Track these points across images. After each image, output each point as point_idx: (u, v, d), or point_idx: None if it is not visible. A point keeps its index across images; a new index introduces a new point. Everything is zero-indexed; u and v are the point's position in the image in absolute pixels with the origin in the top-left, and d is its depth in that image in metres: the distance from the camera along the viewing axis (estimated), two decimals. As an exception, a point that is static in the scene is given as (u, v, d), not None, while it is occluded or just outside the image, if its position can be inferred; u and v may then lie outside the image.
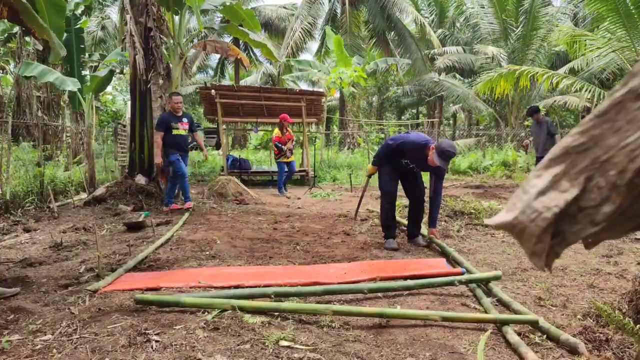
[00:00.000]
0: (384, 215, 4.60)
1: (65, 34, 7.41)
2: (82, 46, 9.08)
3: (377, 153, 4.70)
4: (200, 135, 7.37)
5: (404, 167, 4.50)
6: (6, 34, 13.95)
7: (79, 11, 9.56)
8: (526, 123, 15.93)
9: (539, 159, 8.35)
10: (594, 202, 0.69)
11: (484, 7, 18.27)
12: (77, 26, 8.97)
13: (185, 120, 6.62)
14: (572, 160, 0.72)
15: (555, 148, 0.75)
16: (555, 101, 16.22)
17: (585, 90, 10.09)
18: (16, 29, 12.92)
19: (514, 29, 16.88)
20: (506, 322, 2.42)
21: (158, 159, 6.51)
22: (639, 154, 0.65)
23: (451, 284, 3.11)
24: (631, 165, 0.65)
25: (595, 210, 0.69)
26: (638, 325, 2.20)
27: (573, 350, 2.14)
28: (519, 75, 10.46)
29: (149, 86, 7.53)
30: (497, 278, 3.13)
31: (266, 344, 2.18)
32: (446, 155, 4.03)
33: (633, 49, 8.99)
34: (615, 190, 0.67)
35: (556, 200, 0.71)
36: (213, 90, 10.76)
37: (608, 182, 0.68)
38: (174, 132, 6.48)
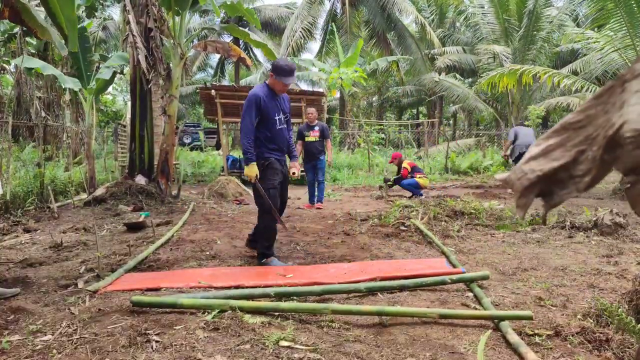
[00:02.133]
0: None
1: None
2: (87, 45, 9.09)
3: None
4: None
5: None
6: (6, 35, 13.96)
7: (79, 12, 9.56)
8: (526, 123, 15.94)
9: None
10: (582, 172, 0.80)
11: (483, 8, 18.25)
12: (80, 26, 8.98)
13: (316, 128, 7.37)
14: (568, 134, 0.83)
15: (558, 123, 0.86)
16: (558, 102, 16.23)
17: (587, 90, 10.09)
18: (17, 29, 12.93)
19: (517, 28, 16.85)
20: (502, 318, 2.46)
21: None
22: (609, 133, 0.73)
23: (443, 283, 3.15)
24: (602, 142, 0.75)
25: (581, 179, 0.80)
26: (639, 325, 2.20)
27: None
28: (520, 74, 10.49)
29: (149, 86, 7.53)
30: (484, 278, 3.19)
31: (266, 344, 2.18)
32: (283, 66, 3.69)
33: (634, 48, 8.98)
34: (593, 163, 0.77)
35: (542, 165, 0.83)
36: (213, 91, 10.77)
37: (593, 156, 0.78)
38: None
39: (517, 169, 0.87)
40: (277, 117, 3.80)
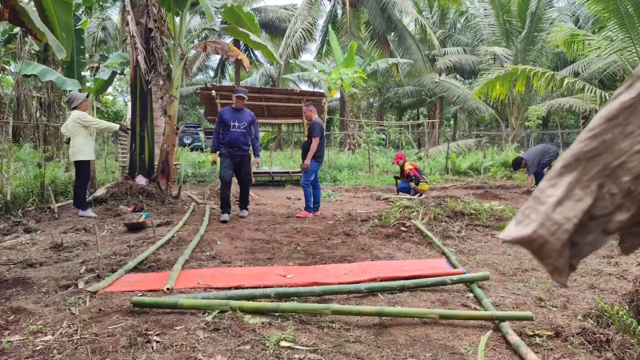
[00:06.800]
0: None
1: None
2: (82, 47, 9.10)
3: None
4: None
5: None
6: (7, 35, 13.97)
7: (79, 12, 9.57)
8: (526, 124, 15.94)
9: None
10: (607, 210, 0.65)
11: (486, 9, 18.27)
12: (77, 27, 8.98)
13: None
14: (583, 167, 0.68)
15: (567, 154, 0.71)
16: (559, 104, 16.22)
17: (588, 91, 10.09)
18: (17, 29, 12.93)
19: (518, 29, 16.87)
20: (503, 319, 2.46)
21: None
22: None
23: (443, 283, 3.15)
24: None
25: (608, 218, 0.65)
26: None
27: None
28: (517, 77, 10.46)
29: (149, 87, 7.53)
30: (485, 278, 3.19)
31: (266, 345, 2.18)
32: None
33: (634, 50, 8.98)
34: (629, 197, 0.63)
35: (574, 210, 0.67)
36: (213, 91, 10.77)
37: (621, 188, 0.64)
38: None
39: (546, 222, 0.68)
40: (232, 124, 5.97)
